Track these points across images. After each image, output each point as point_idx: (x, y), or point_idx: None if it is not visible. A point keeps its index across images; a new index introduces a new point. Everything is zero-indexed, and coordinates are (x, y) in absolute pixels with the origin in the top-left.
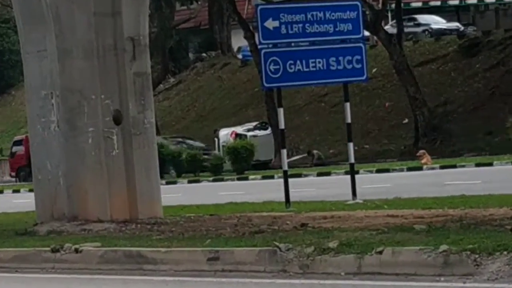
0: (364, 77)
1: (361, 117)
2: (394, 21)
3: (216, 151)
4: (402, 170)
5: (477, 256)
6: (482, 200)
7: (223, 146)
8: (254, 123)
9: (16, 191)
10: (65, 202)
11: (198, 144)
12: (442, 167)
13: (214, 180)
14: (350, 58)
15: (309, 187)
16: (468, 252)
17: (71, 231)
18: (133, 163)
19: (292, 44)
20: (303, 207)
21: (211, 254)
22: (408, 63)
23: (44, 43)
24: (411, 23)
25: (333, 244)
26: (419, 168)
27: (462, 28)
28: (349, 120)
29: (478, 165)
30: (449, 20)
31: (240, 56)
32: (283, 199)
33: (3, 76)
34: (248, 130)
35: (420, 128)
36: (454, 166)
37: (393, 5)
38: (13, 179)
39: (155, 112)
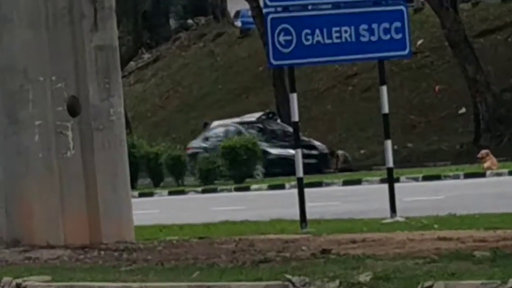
0: (406, 52)
1: (402, 106)
2: None
3: None
4: (457, 177)
5: None
6: None
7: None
8: (258, 114)
9: None
10: (3, 221)
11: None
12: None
13: (204, 191)
14: (387, 25)
15: (333, 200)
16: None
17: (11, 260)
18: (95, 168)
19: (309, 7)
20: (325, 227)
21: None
22: (465, 32)
23: None
24: None
25: (365, 277)
26: (481, 175)
27: None
28: (386, 110)
29: None
30: None
31: (238, 23)
32: (297, 217)
33: None
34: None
35: (482, 120)
36: None
37: None
38: None
39: (125, 99)
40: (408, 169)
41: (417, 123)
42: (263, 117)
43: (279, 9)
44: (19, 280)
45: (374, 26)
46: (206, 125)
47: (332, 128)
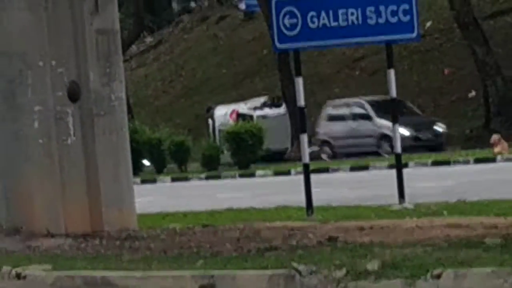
0: (415, 34)
1: (410, 90)
2: None
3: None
4: (467, 162)
5: None
6: None
7: (219, 130)
8: (263, 99)
9: None
10: (3, 209)
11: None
12: None
13: (208, 178)
14: (394, 7)
15: (340, 187)
16: None
17: (11, 248)
18: (96, 155)
19: None
20: (331, 215)
21: (205, 280)
22: (475, 14)
23: None
24: None
25: (373, 265)
26: (491, 160)
27: None
28: (394, 94)
29: None
30: None
31: (242, 5)
32: (303, 203)
33: None
34: (255, 109)
35: (492, 104)
36: None
37: None
38: None
39: (126, 84)
40: (417, 154)
41: (426, 107)
42: (268, 101)
43: None
44: (19, 269)
45: (382, 8)
46: (209, 110)
47: None
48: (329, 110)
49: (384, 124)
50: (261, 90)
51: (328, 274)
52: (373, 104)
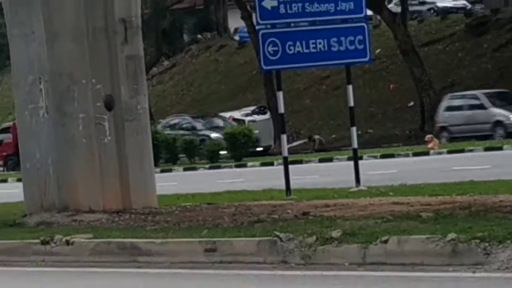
0: (367, 59)
1: (364, 100)
2: None
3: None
4: (407, 155)
5: (486, 244)
6: (491, 186)
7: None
8: (253, 108)
9: (3, 180)
10: (55, 192)
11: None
12: (449, 152)
13: (210, 168)
14: (352, 38)
15: (311, 174)
16: (478, 241)
17: (61, 222)
18: (126, 150)
19: (292, 24)
20: (305, 195)
21: (209, 245)
22: (413, 43)
23: (31, 25)
24: (416, 1)
25: (336, 233)
26: (426, 153)
27: (469, 6)
28: (351, 104)
29: (487, 149)
30: None
31: (237, 37)
32: (283, 187)
33: None
34: (246, 115)
35: (426, 111)
36: (462, 151)
37: None
38: (0, 168)
39: (149, 97)
40: (369, 149)
41: (376, 114)
42: (256, 110)
43: (268, 26)
44: (68, 238)
45: (342, 39)
46: (214, 116)
47: (311, 118)
48: (447, 102)
49: (498, 112)
50: (251, 101)
51: (302, 240)
52: (488, 95)
